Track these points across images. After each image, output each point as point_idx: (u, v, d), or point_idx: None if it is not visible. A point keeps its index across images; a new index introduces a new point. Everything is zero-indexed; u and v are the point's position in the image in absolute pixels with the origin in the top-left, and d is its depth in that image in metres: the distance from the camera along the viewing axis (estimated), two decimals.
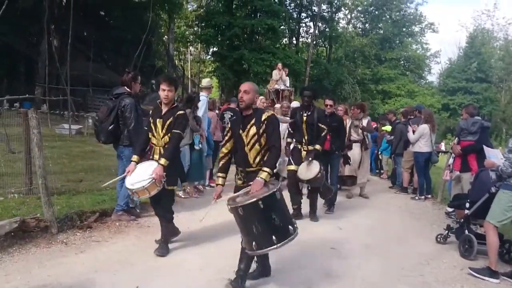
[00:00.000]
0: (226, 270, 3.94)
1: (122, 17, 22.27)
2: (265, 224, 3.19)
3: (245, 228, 3.29)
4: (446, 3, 79.78)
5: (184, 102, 7.39)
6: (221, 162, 3.87)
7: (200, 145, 7.25)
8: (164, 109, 4.37)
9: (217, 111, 9.80)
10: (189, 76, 34.60)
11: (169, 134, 4.31)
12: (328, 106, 6.57)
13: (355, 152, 7.96)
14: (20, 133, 6.14)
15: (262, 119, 3.56)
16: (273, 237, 3.14)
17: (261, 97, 9.05)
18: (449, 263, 4.71)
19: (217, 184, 3.90)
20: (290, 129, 6.35)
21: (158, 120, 4.35)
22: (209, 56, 31.64)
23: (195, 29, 29.32)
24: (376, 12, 41.18)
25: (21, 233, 4.50)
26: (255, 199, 3.17)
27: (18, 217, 4.52)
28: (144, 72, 21.13)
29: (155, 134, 4.38)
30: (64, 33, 17.91)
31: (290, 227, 3.27)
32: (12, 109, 12.26)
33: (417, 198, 8.42)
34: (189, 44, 33.06)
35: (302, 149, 6.03)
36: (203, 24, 26.24)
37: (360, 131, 8.05)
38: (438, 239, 5.44)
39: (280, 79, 14.17)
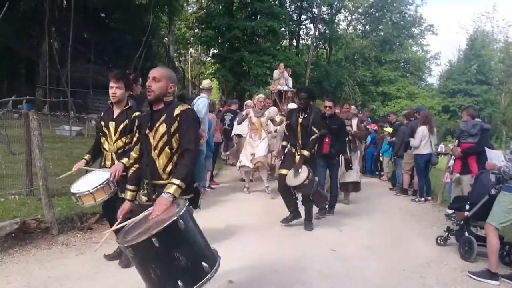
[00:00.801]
0: (227, 271, 3.94)
1: (123, 19, 22.30)
2: (166, 267, 2.37)
3: (143, 272, 2.44)
4: (446, 4, 79.95)
5: (177, 100, 7.43)
6: (130, 171, 3.04)
7: (200, 146, 7.24)
8: (117, 111, 3.90)
9: (215, 112, 9.84)
10: (190, 78, 34.64)
11: (122, 139, 3.86)
12: (328, 108, 6.38)
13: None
14: (20, 135, 6.16)
15: (174, 114, 2.80)
16: (179, 283, 2.35)
17: (260, 95, 8.86)
18: (449, 265, 4.71)
19: (125, 199, 3.02)
20: (286, 131, 6.09)
21: (110, 123, 3.89)
22: (209, 58, 31.67)
23: (196, 31, 29.34)
24: (377, 14, 41.21)
25: (21, 235, 4.51)
26: (146, 237, 2.26)
27: (18, 218, 4.54)
28: (145, 74, 21.11)
29: (107, 138, 3.92)
30: (65, 35, 17.94)
31: (204, 264, 2.47)
32: (13, 110, 12.29)
33: (417, 200, 8.42)
34: (189, 46, 33.10)
35: (296, 153, 5.70)
36: (203, 26, 26.26)
37: (350, 131, 7.61)
38: (439, 241, 5.44)
39: (282, 78, 13.74)
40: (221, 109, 14.23)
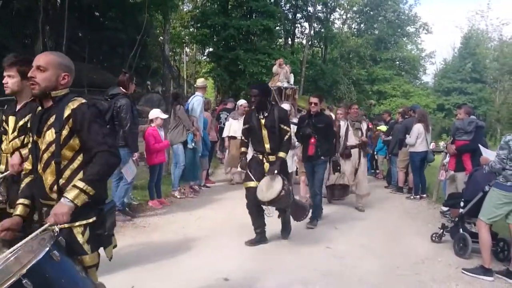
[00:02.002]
0: (222, 270, 3.95)
1: (117, 18, 22.22)
2: None
3: None
4: (441, 3, 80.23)
5: (172, 99, 7.46)
6: (23, 183, 2.40)
7: (193, 144, 7.22)
8: (19, 104, 3.01)
9: (210, 111, 9.80)
10: (185, 77, 34.57)
11: (21, 137, 2.90)
12: (313, 105, 5.72)
13: (353, 159, 7.09)
14: None
15: (65, 115, 2.16)
16: None
17: (242, 101, 8.77)
18: (444, 261, 4.73)
19: (13, 215, 2.31)
20: (243, 137, 5.06)
21: (10, 117, 3.01)
22: (205, 57, 31.64)
23: (191, 29, 29.27)
24: (371, 13, 41.29)
25: None
26: (15, 278, 1.66)
27: None
28: (140, 73, 21.09)
29: (7, 136, 3.02)
30: (59, 34, 17.84)
31: None
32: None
33: (412, 197, 8.45)
34: (184, 44, 33.04)
35: (264, 160, 4.82)
36: (198, 25, 26.22)
37: (360, 134, 7.13)
38: (433, 238, 5.47)
39: (281, 74, 13.10)
40: (216, 108, 14.18)
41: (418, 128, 8.13)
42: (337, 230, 5.86)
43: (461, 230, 5.02)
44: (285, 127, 4.79)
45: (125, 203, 5.76)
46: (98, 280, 2.41)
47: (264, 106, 4.81)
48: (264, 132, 4.78)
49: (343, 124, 7.13)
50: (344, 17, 42.43)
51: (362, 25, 42.63)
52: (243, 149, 4.98)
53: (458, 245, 4.98)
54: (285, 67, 13.54)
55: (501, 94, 42.60)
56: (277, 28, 28.40)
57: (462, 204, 5.05)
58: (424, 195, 8.50)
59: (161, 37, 28.78)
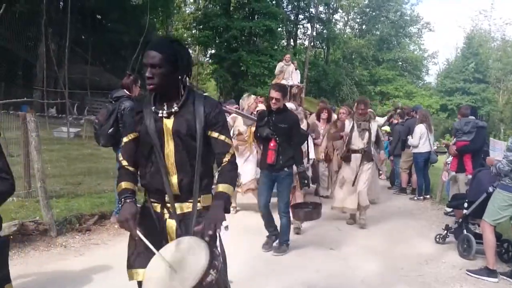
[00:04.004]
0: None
1: (120, 20, 22.29)
2: None
3: None
4: (443, 2, 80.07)
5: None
6: None
7: None
8: None
9: None
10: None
11: None
12: (274, 100, 4.44)
13: (352, 167, 6.02)
14: (18, 136, 6.15)
15: None
16: None
17: (251, 96, 8.23)
18: (448, 263, 4.72)
19: None
20: (121, 159, 2.17)
21: None
22: (207, 59, 31.71)
23: (193, 31, 29.35)
24: (373, 13, 41.30)
25: (20, 237, 4.50)
26: None
27: (17, 220, 4.53)
28: (142, 75, 21.14)
29: None
30: (62, 36, 17.93)
31: None
32: (11, 112, 12.25)
33: (416, 198, 8.43)
34: (187, 46, 33.15)
35: (164, 213, 2.14)
36: (200, 27, 26.31)
37: (367, 137, 5.91)
38: (437, 239, 5.45)
39: (286, 72, 12.01)
40: None
41: (420, 128, 8.12)
42: (340, 231, 5.86)
43: (465, 231, 5.00)
44: (214, 133, 2.14)
45: None
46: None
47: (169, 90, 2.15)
48: (171, 144, 2.11)
49: (348, 123, 6.16)
50: (346, 18, 42.44)
51: (364, 26, 42.62)
52: (123, 185, 2.14)
53: (462, 246, 4.96)
54: (292, 64, 12.57)
55: (504, 94, 42.51)
56: (279, 29, 28.46)
57: (466, 205, 5.04)
58: (428, 196, 8.48)
59: None
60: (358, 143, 5.93)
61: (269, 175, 4.66)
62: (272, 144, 4.50)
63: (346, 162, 6.06)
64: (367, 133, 5.91)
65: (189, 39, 30.16)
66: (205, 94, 4.69)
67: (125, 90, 5.47)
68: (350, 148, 5.98)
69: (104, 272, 3.95)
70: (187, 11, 32.08)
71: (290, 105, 5.97)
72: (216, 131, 2.14)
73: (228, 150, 2.16)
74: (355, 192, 5.97)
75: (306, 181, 4.79)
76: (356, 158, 5.96)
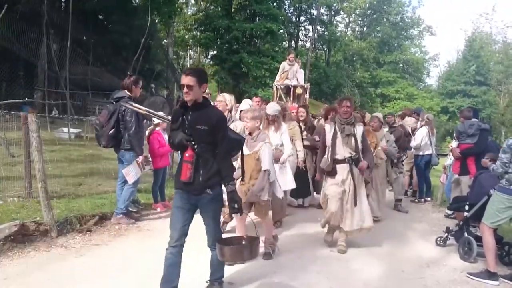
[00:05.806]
0: (226, 273, 3.93)
1: (121, 21, 22.33)
2: None
3: None
4: (445, 5, 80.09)
5: (177, 104, 7.42)
6: None
7: None
8: None
9: None
10: None
11: None
12: (186, 89, 3.06)
13: (340, 178, 4.87)
14: (19, 137, 6.15)
15: None
16: None
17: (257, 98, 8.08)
18: (449, 265, 4.71)
19: None
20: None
21: None
22: (209, 60, 31.75)
23: (194, 32, 29.39)
24: (374, 16, 41.35)
25: (20, 237, 4.49)
26: None
27: (17, 220, 4.52)
28: (143, 76, 21.17)
29: None
30: (63, 37, 17.94)
31: None
32: (12, 113, 12.26)
33: (416, 200, 8.42)
34: (188, 47, 33.15)
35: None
36: (202, 28, 26.37)
37: (353, 144, 4.88)
38: (438, 242, 5.44)
39: (289, 72, 11.19)
40: None
41: (422, 131, 8.11)
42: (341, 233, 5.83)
43: (466, 234, 5.00)
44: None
45: (129, 206, 5.76)
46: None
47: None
48: None
49: (328, 128, 5.04)
50: (347, 20, 42.48)
51: (365, 28, 42.66)
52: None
53: (463, 249, 4.95)
54: (296, 63, 11.66)
55: (506, 96, 42.53)
56: (281, 31, 28.48)
57: (467, 207, 5.03)
58: (429, 199, 8.47)
59: (165, 40, 28.88)
60: (342, 152, 4.89)
61: (186, 198, 3.25)
62: (187, 154, 3.14)
63: (331, 176, 4.93)
64: (352, 139, 4.88)
65: (191, 40, 30.20)
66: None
67: (125, 91, 5.48)
68: (334, 158, 4.89)
69: (105, 272, 3.94)
70: (189, 13, 32.13)
71: (273, 105, 5.45)
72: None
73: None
74: (350, 211, 4.93)
75: (236, 206, 3.19)
76: (342, 169, 4.89)
